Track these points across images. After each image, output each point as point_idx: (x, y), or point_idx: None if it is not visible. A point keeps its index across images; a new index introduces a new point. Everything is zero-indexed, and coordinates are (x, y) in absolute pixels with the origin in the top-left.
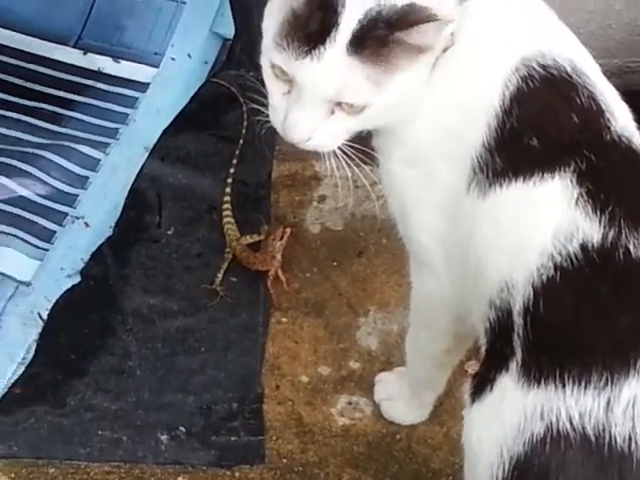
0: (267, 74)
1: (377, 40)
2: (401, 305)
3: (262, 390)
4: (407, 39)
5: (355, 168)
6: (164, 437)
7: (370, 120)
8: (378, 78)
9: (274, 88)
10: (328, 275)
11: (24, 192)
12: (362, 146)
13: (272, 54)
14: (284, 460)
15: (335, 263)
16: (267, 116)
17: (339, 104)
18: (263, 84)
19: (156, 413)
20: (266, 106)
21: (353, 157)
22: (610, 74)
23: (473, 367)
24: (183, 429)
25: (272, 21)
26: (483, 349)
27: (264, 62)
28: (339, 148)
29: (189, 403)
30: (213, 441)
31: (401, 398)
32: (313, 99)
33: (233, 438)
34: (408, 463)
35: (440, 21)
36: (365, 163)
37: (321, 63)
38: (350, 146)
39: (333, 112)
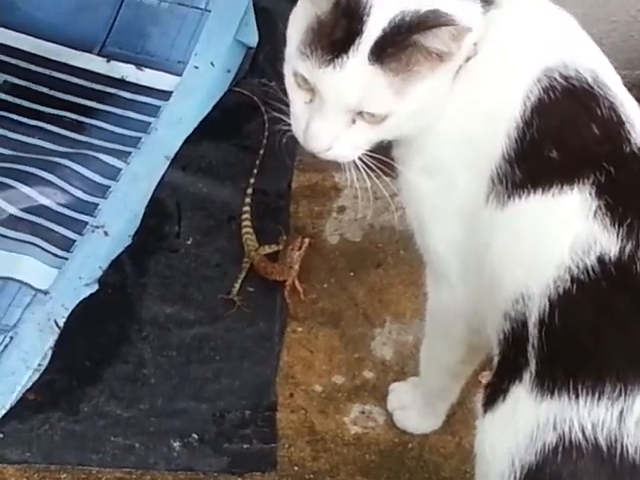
0: (289, 83)
1: (397, 45)
2: (417, 316)
3: (275, 398)
4: (424, 42)
5: (375, 179)
6: (176, 444)
7: (391, 130)
8: (400, 87)
9: (296, 97)
10: (345, 286)
11: (45, 201)
12: (382, 156)
13: (295, 62)
14: (295, 468)
15: (352, 274)
16: (289, 125)
17: (360, 114)
18: (285, 93)
19: (169, 420)
20: (288, 115)
21: (373, 168)
22: (632, 85)
23: (487, 378)
24: (196, 436)
25: (296, 29)
26: (496, 360)
27: (287, 70)
28: (359, 158)
29: (202, 411)
30: (225, 448)
31: (414, 407)
32: (335, 108)
33: (245, 445)
34: (419, 472)
35: (456, 27)
36: (385, 174)
37: (344, 72)
38: (370, 156)
39: (354, 122)
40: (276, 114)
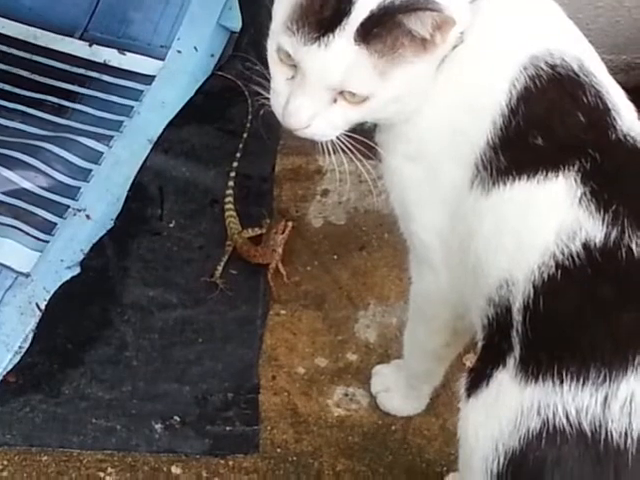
0: (272, 58)
1: (382, 25)
2: (401, 299)
3: (258, 381)
4: (407, 23)
5: (358, 163)
6: (158, 426)
7: (371, 112)
8: (384, 69)
9: (278, 73)
10: (329, 269)
11: (26, 184)
12: (366, 139)
13: (280, 38)
14: (278, 450)
15: (336, 257)
16: (268, 99)
17: (342, 93)
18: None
19: (151, 402)
20: (268, 91)
21: (352, 150)
22: (618, 70)
23: (471, 360)
24: (177, 418)
25: (283, 4)
26: (480, 344)
27: (270, 45)
28: (338, 139)
29: (184, 393)
30: (207, 430)
31: (398, 390)
32: (317, 86)
33: (228, 428)
34: (402, 454)
35: (440, 15)
36: (368, 158)
37: (329, 51)
38: (352, 138)
39: (335, 101)
40: (257, 88)
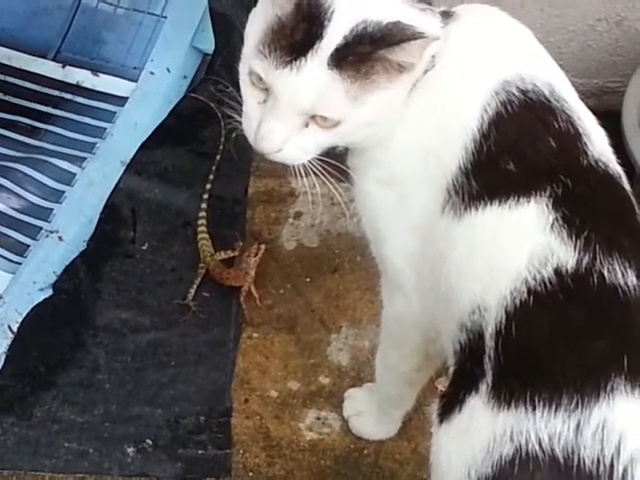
0: (244, 81)
1: (359, 56)
2: (373, 322)
3: (230, 404)
4: (390, 57)
5: (331, 185)
6: (130, 449)
7: (343, 136)
8: (356, 94)
9: (250, 96)
10: (301, 291)
11: None
12: (338, 163)
13: (252, 61)
14: (250, 473)
15: (309, 279)
16: (240, 123)
17: (314, 117)
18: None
19: (123, 426)
20: (240, 114)
21: (325, 174)
22: (590, 94)
23: (443, 384)
24: (150, 442)
25: (255, 28)
26: (452, 370)
27: (242, 69)
28: (310, 163)
29: (157, 416)
30: (180, 454)
31: (370, 414)
32: (289, 110)
33: (200, 451)
34: (375, 478)
35: (425, 40)
36: (341, 181)
37: (301, 75)
38: (324, 162)
39: (307, 125)
40: (229, 111)
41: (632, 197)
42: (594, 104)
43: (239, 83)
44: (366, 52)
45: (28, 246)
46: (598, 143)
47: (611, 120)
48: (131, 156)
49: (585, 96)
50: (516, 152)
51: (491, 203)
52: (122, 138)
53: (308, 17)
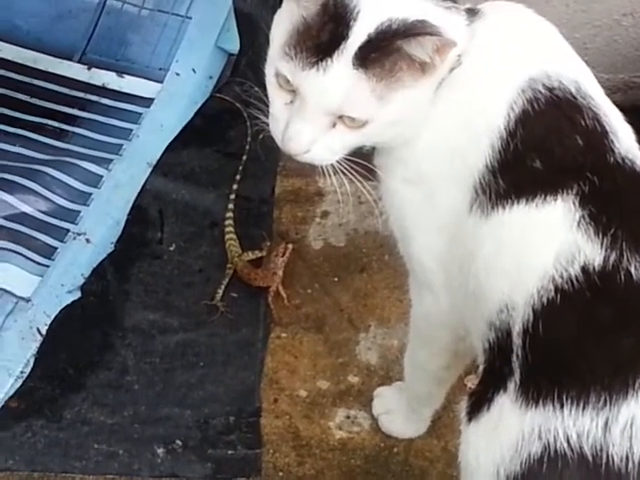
0: (271, 83)
1: (381, 50)
2: (402, 321)
3: (260, 404)
4: (407, 49)
5: (358, 184)
6: (160, 450)
7: (370, 136)
8: (382, 93)
9: (276, 97)
10: (329, 291)
11: (26, 208)
12: (365, 162)
13: (278, 63)
14: (280, 473)
15: (337, 279)
16: (267, 124)
17: (341, 118)
18: (267, 96)
19: (153, 427)
20: (267, 115)
21: (352, 172)
22: (616, 89)
23: (472, 381)
24: (180, 442)
25: (280, 29)
26: (481, 368)
27: (269, 70)
28: (338, 162)
29: (186, 417)
30: (209, 454)
31: (399, 412)
32: (316, 111)
33: (230, 451)
34: (405, 476)
35: (440, 39)
36: (368, 179)
37: (327, 75)
38: (351, 161)
39: (334, 125)
40: (255, 113)
41: None
42: (620, 99)
43: (265, 84)
44: (385, 45)
45: (56, 249)
46: (625, 140)
47: (638, 115)
48: (157, 157)
49: (611, 91)
50: (543, 150)
51: (518, 201)
52: (148, 139)
53: (334, 17)
